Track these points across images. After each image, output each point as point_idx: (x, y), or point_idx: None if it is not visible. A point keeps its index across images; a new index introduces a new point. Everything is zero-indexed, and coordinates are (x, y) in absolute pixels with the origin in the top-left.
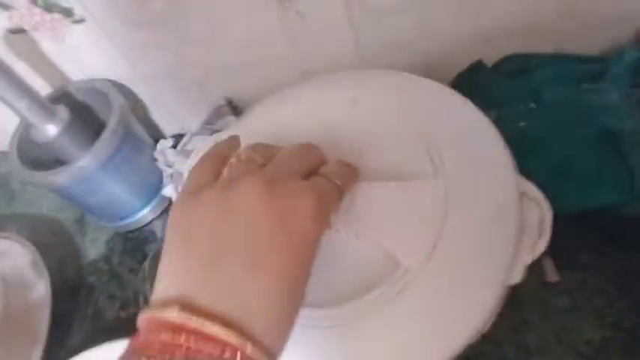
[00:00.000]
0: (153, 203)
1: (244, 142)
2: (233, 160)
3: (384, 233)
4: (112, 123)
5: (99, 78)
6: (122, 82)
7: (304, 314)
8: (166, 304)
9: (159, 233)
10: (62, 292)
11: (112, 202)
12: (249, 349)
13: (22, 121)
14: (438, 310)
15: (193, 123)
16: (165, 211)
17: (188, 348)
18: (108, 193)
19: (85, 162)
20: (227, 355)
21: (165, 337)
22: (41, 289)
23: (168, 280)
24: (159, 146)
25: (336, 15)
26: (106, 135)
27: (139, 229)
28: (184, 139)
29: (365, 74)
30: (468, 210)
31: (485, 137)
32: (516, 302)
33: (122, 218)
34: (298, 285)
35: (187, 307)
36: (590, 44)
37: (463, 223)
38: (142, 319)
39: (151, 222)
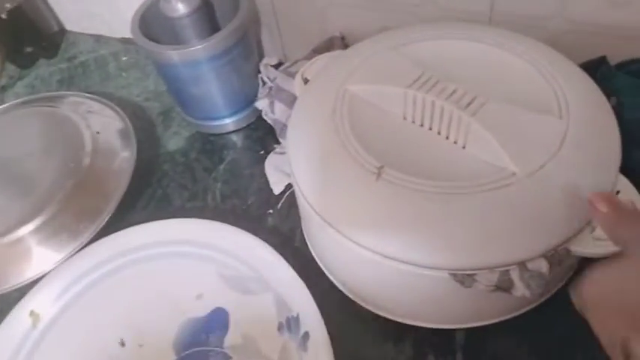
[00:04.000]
0: (241, 114)
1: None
2: None
3: (504, 142)
4: (235, 22)
5: None
6: None
7: (417, 181)
8: None
9: (239, 144)
10: (136, 171)
11: (208, 98)
12: None
13: None
14: (529, 211)
15: (297, 53)
16: (250, 126)
17: None
18: (207, 88)
19: (201, 48)
20: None
21: None
22: (125, 157)
23: None
24: (264, 60)
25: None
26: (226, 31)
27: (221, 134)
28: (288, 62)
29: (493, 29)
30: (579, 153)
31: (605, 112)
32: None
33: (210, 119)
34: None
35: None
36: None
37: (572, 161)
38: None
39: (233, 131)
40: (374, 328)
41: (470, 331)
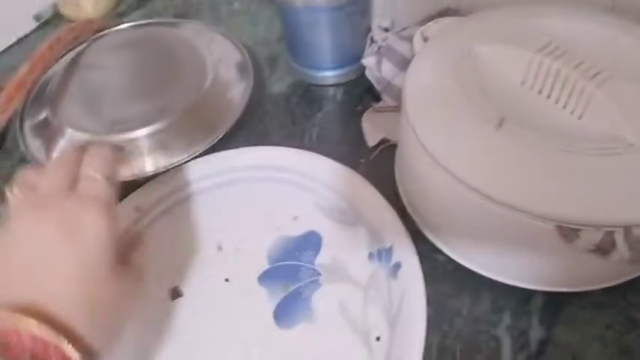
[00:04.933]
0: (344, 70)
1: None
2: (9, 193)
3: (625, 114)
4: None
5: None
6: None
7: (535, 136)
8: None
9: (338, 97)
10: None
11: (318, 47)
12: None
13: None
14: None
15: (405, 20)
16: (349, 83)
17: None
18: (320, 37)
19: None
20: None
21: None
22: (240, 88)
23: None
24: (377, 20)
25: None
26: None
27: (322, 86)
28: (399, 27)
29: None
30: None
31: None
32: None
33: (314, 68)
34: (100, 271)
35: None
36: None
37: None
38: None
39: (333, 85)
40: (454, 279)
41: (549, 296)
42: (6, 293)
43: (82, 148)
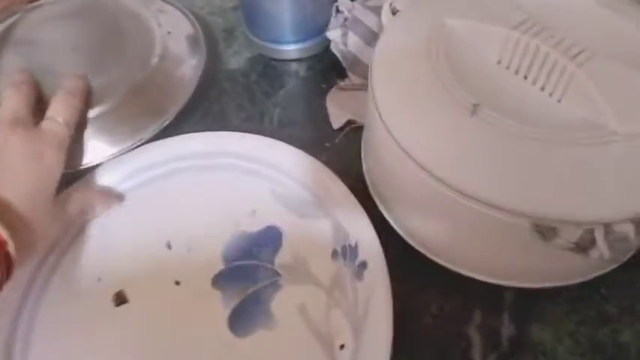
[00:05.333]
0: (308, 43)
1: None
2: None
3: (608, 99)
4: None
5: None
6: None
7: (512, 124)
8: None
9: (301, 73)
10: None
11: (279, 18)
12: None
13: None
14: (624, 173)
15: None
16: (314, 57)
17: None
18: (281, 6)
19: None
20: None
21: None
22: (192, 64)
23: None
24: None
25: None
26: None
27: (283, 61)
28: None
29: None
30: None
31: None
32: None
33: (275, 42)
34: (45, 197)
35: None
36: None
37: None
38: None
39: (296, 59)
40: (423, 274)
41: (521, 292)
42: None
43: (35, 84)
